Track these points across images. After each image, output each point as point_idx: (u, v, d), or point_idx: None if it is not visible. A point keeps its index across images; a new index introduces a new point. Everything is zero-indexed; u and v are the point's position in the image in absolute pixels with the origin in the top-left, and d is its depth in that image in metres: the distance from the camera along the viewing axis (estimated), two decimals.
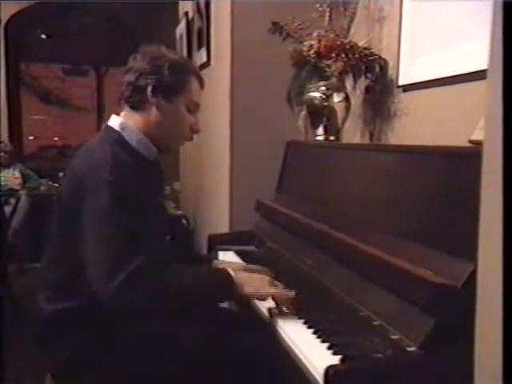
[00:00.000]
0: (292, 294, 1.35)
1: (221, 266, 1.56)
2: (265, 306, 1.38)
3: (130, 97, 1.42)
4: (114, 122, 1.44)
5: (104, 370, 1.35)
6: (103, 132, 1.46)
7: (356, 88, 1.94)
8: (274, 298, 1.38)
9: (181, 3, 3.85)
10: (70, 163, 1.43)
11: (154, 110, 1.41)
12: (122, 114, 1.45)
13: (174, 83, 1.41)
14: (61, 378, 1.42)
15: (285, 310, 1.35)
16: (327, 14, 1.91)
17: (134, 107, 1.43)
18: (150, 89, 1.39)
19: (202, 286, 1.34)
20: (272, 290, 1.36)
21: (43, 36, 7.17)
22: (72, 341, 1.35)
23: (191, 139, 1.53)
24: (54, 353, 1.39)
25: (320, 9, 1.90)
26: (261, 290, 1.36)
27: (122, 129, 1.42)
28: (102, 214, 1.27)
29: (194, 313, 1.41)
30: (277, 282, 1.40)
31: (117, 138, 1.41)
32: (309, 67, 1.90)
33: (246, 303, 1.50)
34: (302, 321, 1.23)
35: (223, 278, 1.36)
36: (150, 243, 1.30)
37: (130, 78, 1.41)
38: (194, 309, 1.39)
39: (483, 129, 0.68)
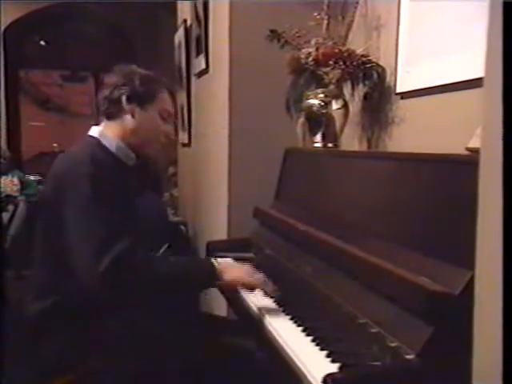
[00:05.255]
0: (270, 287, 1.45)
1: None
2: (257, 305, 1.38)
3: (107, 109, 1.53)
4: (94, 131, 1.54)
5: (90, 368, 1.37)
6: (83, 140, 1.55)
7: (354, 95, 1.94)
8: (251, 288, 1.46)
9: (179, 10, 3.87)
10: (50, 169, 1.50)
11: (129, 117, 1.52)
12: (101, 125, 1.55)
13: (145, 92, 1.53)
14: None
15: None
16: (325, 22, 1.92)
17: (111, 117, 1.53)
18: (124, 98, 1.50)
19: (184, 271, 1.42)
20: (250, 279, 1.44)
21: (42, 43, 7.20)
22: (58, 338, 1.39)
23: (165, 147, 1.62)
24: (42, 349, 1.43)
25: (318, 17, 1.91)
26: (240, 278, 1.44)
27: (101, 136, 1.51)
28: (83, 205, 1.34)
29: (192, 320, 1.41)
30: (258, 274, 1.48)
31: (96, 143, 1.50)
32: (307, 75, 1.90)
33: (231, 293, 1.57)
34: (301, 328, 1.23)
35: (205, 264, 1.49)
36: (133, 230, 1.37)
37: (105, 92, 1.53)
38: (194, 316, 1.39)
39: (480, 136, 0.68)
